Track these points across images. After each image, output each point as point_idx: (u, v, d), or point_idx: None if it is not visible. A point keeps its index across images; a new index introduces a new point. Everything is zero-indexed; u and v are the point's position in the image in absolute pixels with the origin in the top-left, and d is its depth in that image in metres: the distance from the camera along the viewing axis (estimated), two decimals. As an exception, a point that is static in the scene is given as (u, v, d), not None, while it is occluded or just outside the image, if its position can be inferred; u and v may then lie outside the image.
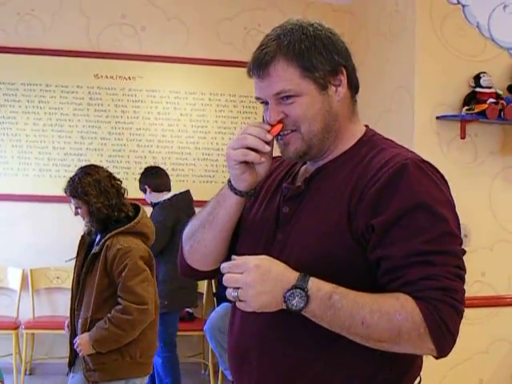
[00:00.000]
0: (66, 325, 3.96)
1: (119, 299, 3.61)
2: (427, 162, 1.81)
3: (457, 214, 1.78)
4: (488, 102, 5.21)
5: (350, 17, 6.75)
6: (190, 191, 5.93)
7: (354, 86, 1.92)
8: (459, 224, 1.79)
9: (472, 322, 5.00)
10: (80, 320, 3.72)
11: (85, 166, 3.87)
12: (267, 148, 1.81)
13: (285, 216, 1.89)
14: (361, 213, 1.72)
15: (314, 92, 1.81)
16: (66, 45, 6.48)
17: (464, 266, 1.72)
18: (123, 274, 3.58)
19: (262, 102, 1.88)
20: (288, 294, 1.65)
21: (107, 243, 3.65)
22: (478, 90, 5.31)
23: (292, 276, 1.67)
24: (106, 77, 6.57)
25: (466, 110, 5.28)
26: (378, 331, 1.63)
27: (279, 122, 1.83)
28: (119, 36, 6.58)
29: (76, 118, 6.54)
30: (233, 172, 1.87)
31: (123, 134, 6.59)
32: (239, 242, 2.00)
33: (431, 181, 1.76)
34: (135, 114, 6.62)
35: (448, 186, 1.82)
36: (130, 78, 6.60)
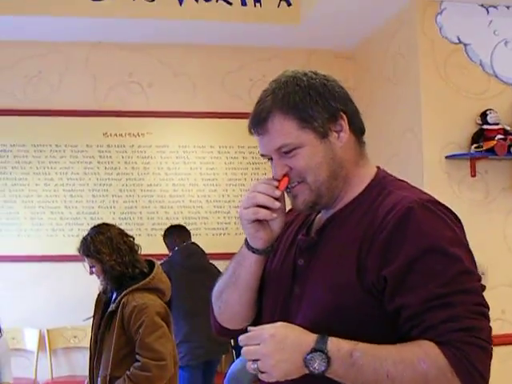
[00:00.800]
0: (85, 384, 3.94)
1: (137, 356, 3.59)
2: (436, 202, 1.77)
3: (471, 251, 1.73)
4: (496, 138, 5.23)
5: (354, 62, 6.80)
6: (196, 243, 5.96)
7: (357, 129, 1.89)
8: (474, 261, 1.73)
9: (494, 361, 4.92)
10: (99, 379, 3.70)
11: (97, 225, 3.88)
12: (277, 204, 1.80)
13: (300, 268, 1.87)
14: (371, 264, 1.69)
15: (314, 141, 1.80)
16: (74, 105, 6.54)
17: (486, 303, 1.67)
18: (140, 330, 3.57)
19: (268, 159, 1.87)
20: (308, 358, 1.62)
21: (123, 301, 3.65)
22: (485, 127, 5.33)
23: (310, 339, 1.64)
24: (115, 135, 6.61)
25: (475, 147, 5.30)
26: (404, 382, 1.58)
27: (285, 175, 1.82)
28: (126, 94, 6.64)
29: (87, 176, 6.57)
30: (247, 231, 1.86)
31: (134, 190, 6.61)
32: (263, 297, 1.98)
33: (440, 220, 1.72)
34: (145, 170, 6.64)
35: (461, 224, 1.78)
36: (138, 134, 6.63)
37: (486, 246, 4.94)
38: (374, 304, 1.69)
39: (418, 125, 5.41)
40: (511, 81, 5.64)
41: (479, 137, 5.33)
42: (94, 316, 3.90)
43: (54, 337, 6.52)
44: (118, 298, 3.67)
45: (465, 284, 1.64)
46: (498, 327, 5.02)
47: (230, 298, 1.98)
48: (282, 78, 1.86)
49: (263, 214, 1.80)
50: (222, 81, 6.67)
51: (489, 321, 1.65)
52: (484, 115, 5.36)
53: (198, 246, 5.95)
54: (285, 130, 1.79)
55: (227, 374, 5.89)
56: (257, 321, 2.03)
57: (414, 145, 5.46)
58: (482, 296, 1.68)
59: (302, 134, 1.80)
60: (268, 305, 1.93)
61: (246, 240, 1.90)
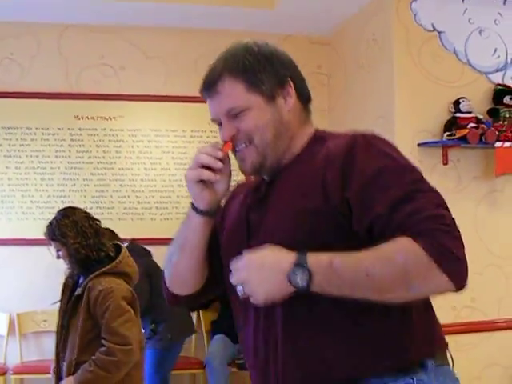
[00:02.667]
0: (51, 369, 3.91)
1: (103, 341, 3.57)
2: (376, 134, 1.89)
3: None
4: (468, 126, 5.24)
5: (329, 48, 6.76)
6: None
7: (303, 96, 2.00)
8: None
9: (464, 348, 4.96)
10: (65, 363, 3.67)
11: (63, 209, 3.86)
12: (219, 164, 1.88)
13: (254, 223, 1.94)
14: (332, 190, 1.76)
15: (262, 104, 1.90)
16: (45, 87, 6.46)
17: (443, 200, 1.75)
18: (106, 315, 3.55)
19: (218, 124, 1.96)
20: (290, 274, 1.67)
21: (89, 285, 3.62)
22: (458, 115, 5.34)
23: (289, 256, 1.69)
24: (87, 118, 6.53)
25: (447, 135, 5.30)
26: (385, 278, 1.64)
27: (230, 139, 1.91)
28: (98, 76, 6.56)
29: (58, 159, 6.49)
30: (191, 192, 1.94)
31: (106, 174, 6.54)
32: (223, 262, 2.03)
33: (385, 145, 1.84)
34: (117, 153, 6.57)
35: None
36: (110, 117, 6.56)
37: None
38: (340, 228, 1.77)
39: (391, 112, 5.41)
40: (485, 69, 5.65)
41: (452, 125, 5.34)
42: (60, 300, 3.87)
43: (24, 321, 6.46)
44: (84, 282, 3.65)
45: (422, 186, 1.75)
46: (467, 315, 5.05)
47: (179, 262, 2.06)
48: (233, 46, 1.99)
49: (206, 174, 1.88)
50: (194, 64, 6.61)
51: (450, 213, 1.73)
52: (457, 103, 5.37)
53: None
54: (234, 92, 1.89)
55: (208, 354, 5.96)
56: (215, 287, 2.13)
57: (387, 132, 5.44)
58: (439, 195, 1.76)
59: (250, 96, 1.90)
60: (228, 267, 1.94)
61: (191, 202, 1.97)
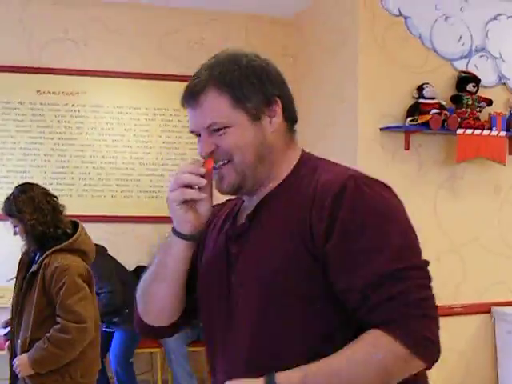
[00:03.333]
0: (5, 346, 3.88)
1: (58, 318, 3.54)
2: (369, 177, 1.74)
3: (410, 223, 1.72)
4: (431, 112, 5.26)
5: (294, 30, 6.72)
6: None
7: (290, 117, 1.87)
8: (415, 233, 1.71)
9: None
10: (19, 340, 3.65)
11: (20, 184, 3.81)
12: (203, 181, 1.76)
13: (235, 256, 1.83)
14: (316, 238, 1.66)
15: (245, 122, 1.77)
16: (7, 60, 6.35)
17: (428, 275, 1.66)
18: (61, 292, 3.52)
19: (197, 135, 1.84)
20: None
21: (45, 261, 3.59)
22: (421, 101, 5.37)
23: None
24: (49, 92, 6.45)
25: (410, 121, 5.33)
26: (367, 382, 1.58)
27: (211, 154, 1.79)
28: (61, 51, 6.47)
29: (19, 134, 6.41)
30: (175, 214, 1.80)
31: (67, 150, 6.47)
32: (198, 291, 1.94)
33: (376, 195, 1.69)
34: (78, 129, 6.49)
35: (397, 197, 1.76)
36: (72, 93, 6.48)
37: (416, 219, 4.90)
38: (320, 276, 1.66)
39: (355, 96, 5.41)
40: (449, 56, 5.67)
41: (415, 110, 5.36)
42: (16, 277, 3.84)
43: (-20, 296, 6.40)
44: (40, 259, 3.61)
45: (406, 260, 1.63)
46: (424, 300, 5.09)
47: (157, 291, 1.92)
48: (221, 55, 1.84)
49: (190, 193, 1.77)
50: (159, 42, 6.55)
51: (431, 291, 1.65)
52: (420, 89, 5.40)
53: None
54: (217, 107, 1.77)
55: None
56: (191, 315, 2.01)
57: (350, 116, 5.45)
58: (424, 269, 1.66)
59: (233, 112, 1.77)
60: (204, 298, 1.89)
61: (172, 228, 1.84)
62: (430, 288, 1.65)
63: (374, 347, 1.57)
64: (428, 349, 1.58)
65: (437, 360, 1.62)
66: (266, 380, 1.59)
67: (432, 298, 1.64)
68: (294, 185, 1.80)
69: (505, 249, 5.80)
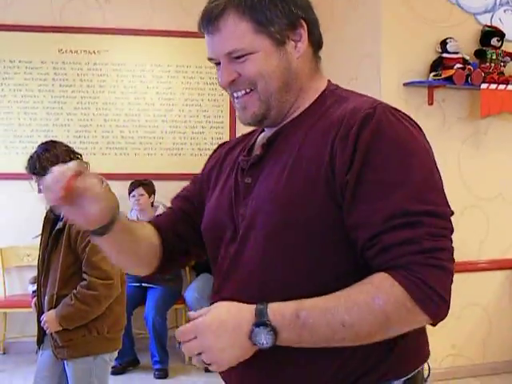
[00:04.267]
0: (32, 303, 3.92)
1: (84, 275, 3.56)
2: (401, 111, 1.63)
3: (436, 165, 1.60)
4: (455, 67, 5.22)
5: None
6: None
7: (316, 41, 1.74)
8: (439, 176, 1.60)
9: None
10: (46, 297, 3.68)
11: (44, 143, 3.80)
12: (59, 193, 1.58)
13: (247, 186, 1.72)
14: (336, 168, 1.55)
15: (269, 48, 1.65)
16: (28, 20, 6.37)
17: (448, 225, 1.53)
18: (87, 249, 3.53)
19: (216, 63, 1.71)
20: (253, 336, 1.50)
21: (70, 219, 3.60)
22: (444, 55, 5.32)
23: (249, 315, 1.51)
24: (71, 51, 6.47)
25: (433, 75, 5.29)
26: (363, 326, 1.47)
27: (231, 84, 1.68)
28: (83, 9, 6.47)
29: (41, 93, 6.45)
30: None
31: (89, 108, 6.50)
32: (202, 231, 1.87)
33: (404, 128, 1.58)
34: (101, 88, 6.52)
35: (423, 133, 1.65)
36: (94, 51, 6.50)
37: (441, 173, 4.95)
38: (337, 215, 1.55)
39: (378, 51, 5.36)
40: (473, 10, 5.60)
41: (438, 65, 5.32)
42: (42, 234, 3.85)
43: (7, 255, 6.49)
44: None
45: (427, 202, 1.51)
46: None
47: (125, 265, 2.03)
48: None
49: (49, 199, 1.62)
50: (180, -1, 6.54)
51: (451, 241, 1.53)
52: (444, 43, 5.34)
53: None
54: (238, 32, 1.63)
55: (188, 295, 6.12)
56: (198, 251, 1.99)
57: (373, 70, 5.42)
58: (446, 218, 1.54)
59: (256, 38, 1.64)
60: (208, 231, 1.84)
61: None
62: (447, 238, 1.52)
63: (378, 290, 1.46)
64: (434, 302, 1.46)
65: (443, 317, 1.50)
66: (258, 308, 1.51)
67: (449, 249, 1.51)
68: (318, 113, 1.69)
69: (530, 204, 5.78)
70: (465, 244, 5.26)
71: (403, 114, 1.63)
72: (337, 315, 1.47)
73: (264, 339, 1.49)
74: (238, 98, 1.71)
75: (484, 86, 5.28)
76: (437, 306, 1.47)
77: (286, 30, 1.66)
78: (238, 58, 1.65)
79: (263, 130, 1.83)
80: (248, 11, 1.63)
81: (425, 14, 5.39)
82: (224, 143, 2.00)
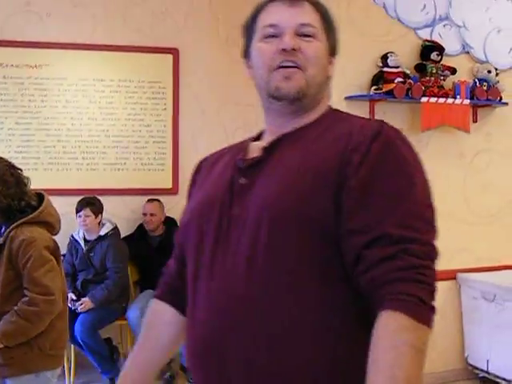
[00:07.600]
0: (-27, 319, 3.85)
1: (25, 291, 3.52)
2: (403, 136, 1.74)
3: (427, 182, 1.77)
4: (396, 81, 5.30)
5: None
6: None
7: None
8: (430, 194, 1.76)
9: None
10: (-13, 314, 3.62)
11: (-17, 158, 3.76)
12: None
13: (241, 187, 1.71)
14: (345, 176, 1.59)
15: (324, 47, 1.80)
16: (-32, 33, 6.28)
17: (437, 250, 1.72)
18: (28, 265, 3.49)
19: (270, 35, 1.78)
20: None
21: (11, 234, 3.55)
22: (385, 69, 5.39)
23: None
24: (12, 65, 6.38)
25: (375, 89, 5.35)
26: (411, 368, 1.45)
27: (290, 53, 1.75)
28: (24, 23, 6.39)
29: (-18, 108, 6.35)
30: None
31: (31, 123, 6.41)
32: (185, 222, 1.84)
33: (408, 147, 1.71)
34: (43, 103, 6.44)
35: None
36: (36, 66, 6.41)
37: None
38: (336, 221, 1.58)
39: (320, 65, 5.40)
40: (413, 25, 5.70)
41: (379, 79, 5.39)
42: (-17, 250, 3.80)
43: None
44: (6, 232, 3.58)
45: (427, 221, 1.74)
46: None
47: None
48: None
49: None
50: (122, 13, 6.50)
51: (434, 268, 1.69)
52: (385, 58, 5.42)
53: None
54: (314, 16, 1.79)
55: (130, 314, 6.07)
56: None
57: (315, 85, 5.46)
58: (434, 241, 1.74)
59: (322, 32, 1.80)
60: (193, 237, 1.77)
61: None
62: (433, 260, 1.70)
63: (392, 339, 1.48)
64: (420, 308, 1.55)
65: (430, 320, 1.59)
66: None
67: (432, 269, 1.67)
68: (324, 125, 1.77)
69: (469, 216, 5.87)
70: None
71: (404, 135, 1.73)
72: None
73: None
74: (284, 67, 1.75)
75: (424, 99, 5.37)
76: (422, 311, 1.57)
77: (333, 50, 1.85)
78: (306, 36, 1.76)
79: (256, 139, 1.89)
80: (321, 11, 1.82)
81: (366, 28, 5.47)
82: (205, 158, 2.00)
